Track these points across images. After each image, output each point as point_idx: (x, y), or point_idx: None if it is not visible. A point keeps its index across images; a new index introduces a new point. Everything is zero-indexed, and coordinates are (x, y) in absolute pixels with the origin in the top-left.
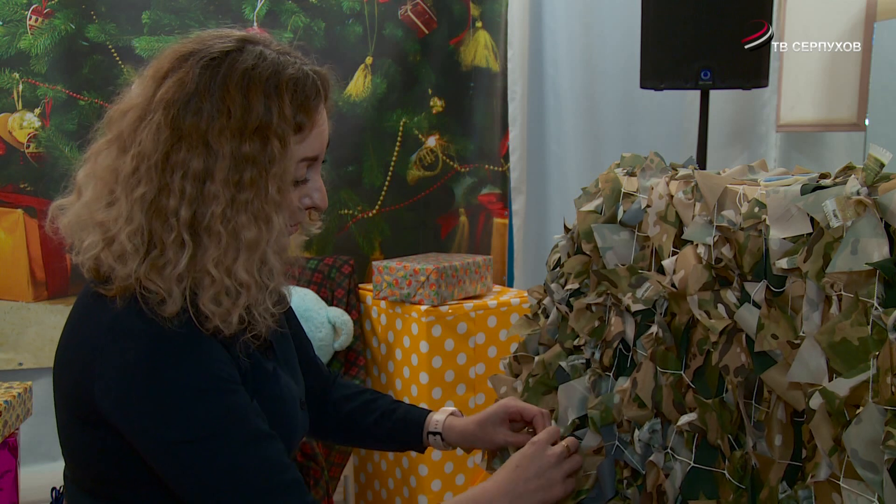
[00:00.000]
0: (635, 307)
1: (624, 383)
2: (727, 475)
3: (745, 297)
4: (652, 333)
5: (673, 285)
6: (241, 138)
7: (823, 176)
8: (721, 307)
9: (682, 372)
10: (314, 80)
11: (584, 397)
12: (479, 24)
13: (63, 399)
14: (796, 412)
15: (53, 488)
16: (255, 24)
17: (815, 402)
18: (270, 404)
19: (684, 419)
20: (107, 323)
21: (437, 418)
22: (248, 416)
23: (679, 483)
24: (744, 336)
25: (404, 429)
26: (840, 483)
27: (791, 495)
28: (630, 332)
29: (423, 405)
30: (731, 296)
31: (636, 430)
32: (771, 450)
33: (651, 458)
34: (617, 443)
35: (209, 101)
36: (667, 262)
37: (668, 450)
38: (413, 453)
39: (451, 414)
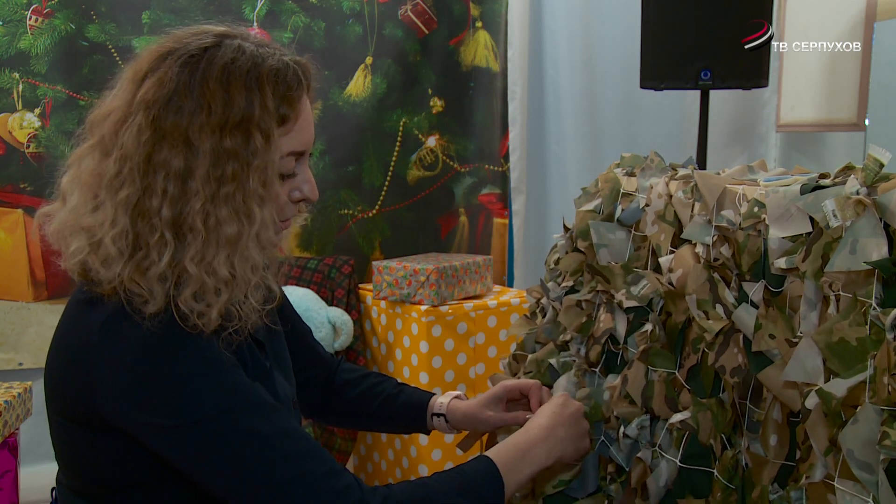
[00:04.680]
0: (629, 304)
1: (613, 380)
2: (717, 474)
3: (742, 297)
4: (646, 331)
5: (670, 284)
6: (222, 133)
7: (823, 176)
8: (719, 307)
9: (675, 371)
10: (295, 70)
11: (572, 394)
12: (479, 24)
13: (57, 404)
14: (792, 412)
15: (53, 488)
16: (255, 24)
17: (811, 401)
18: None
19: (676, 417)
20: (98, 326)
21: (442, 401)
22: (256, 390)
23: (664, 480)
24: (741, 336)
25: (409, 412)
26: (835, 484)
27: (783, 496)
28: (621, 329)
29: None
30: (728, 295)
31: (623, 426)
32: (765, 450)
33: (638, 455)
34: (603, 438)
35: (189, 98)
36: (663, 260)
37: (656, 447)
38: (413, 452)
39: (456, 397)
